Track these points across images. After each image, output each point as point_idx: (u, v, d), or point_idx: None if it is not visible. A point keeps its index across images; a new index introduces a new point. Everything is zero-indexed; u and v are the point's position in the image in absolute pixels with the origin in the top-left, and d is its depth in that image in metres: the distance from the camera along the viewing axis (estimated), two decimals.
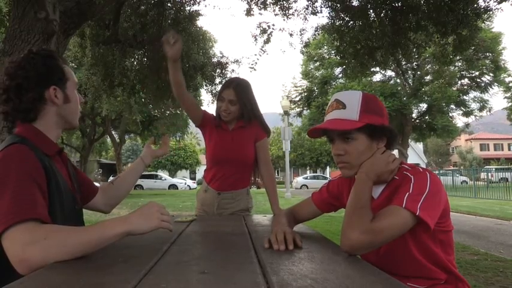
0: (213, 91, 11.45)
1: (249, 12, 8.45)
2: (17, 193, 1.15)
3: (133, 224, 1.20)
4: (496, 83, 25.10)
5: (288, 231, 1.37)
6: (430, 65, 25.00)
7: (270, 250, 1.29)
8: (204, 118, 2.60)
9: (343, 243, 1.26)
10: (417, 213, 1.22)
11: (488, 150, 62.99)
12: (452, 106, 26.11)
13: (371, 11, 7.69)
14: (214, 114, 2.63)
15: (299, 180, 37.13)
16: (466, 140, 62.17)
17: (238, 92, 2.46)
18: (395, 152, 31.33)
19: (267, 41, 8.74)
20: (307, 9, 8.33)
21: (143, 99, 15.34)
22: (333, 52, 20.37)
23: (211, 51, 12.75)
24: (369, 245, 1.23)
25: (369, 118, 1.40)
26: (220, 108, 2.49)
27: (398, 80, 27.29)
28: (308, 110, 27.89)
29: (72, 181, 1.54)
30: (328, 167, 49.72)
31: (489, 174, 22.34)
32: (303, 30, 8.96)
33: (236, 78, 2.78)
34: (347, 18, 7.94)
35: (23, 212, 1.12)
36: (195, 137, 55.49)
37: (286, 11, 8.40)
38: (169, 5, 8.50)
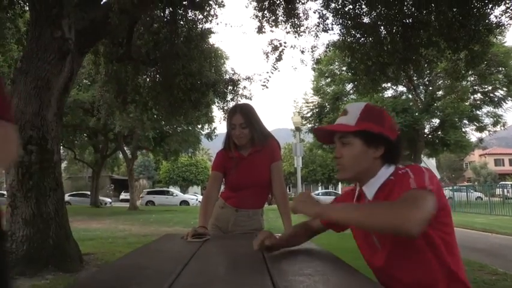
0: (225, 108, 11.51)
1: (260, 30, 8.53)
2: None
3: None
4: (509, 98, 24.78)
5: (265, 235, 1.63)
6: (442, 80, 24.87)
7: (284, 273, 1.28)
8: (221, 168, 2.69)
9: (412, 228, 1.17)
10: (427, 188, 1.26)
11: (503, 165, 62.05)
12: (465, 121, 25.83)
13: (382, 27, 7.72)
14: (223, 145, 2.72)
15: None
16: (480, 155, 61.36)
17: (246, 115, 2.59)
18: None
19: (279, 59, 8.78)
20: (318, 26, 8.39)
21: (155, 116, 15.46)
22: (344, 68, 20.41)
23: (223, 68, 12.85)
24: (427, 220, 1.21)
25: (366, 125, 1.45)
26: (235, 135, 2.59)
27: (410, 96, 27.13)
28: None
29: None
30: (340, 183, 49.38)
31: (505, 190, 21.95)
32: (314, 47, 9.01)
33: (239, 103, 2.94)
34: (358, 35, 7.98)
35: None
36: (206, 153, 55.62)
37: (298, 29, 8.47)
38: (181, 23, 8.62)
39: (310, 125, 29.06)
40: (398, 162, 1.49)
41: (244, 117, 2.57)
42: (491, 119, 25.73)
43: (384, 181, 1.45)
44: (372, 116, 1.48)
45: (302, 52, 9.01)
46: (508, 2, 6.73)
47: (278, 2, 8.29)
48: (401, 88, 26.87)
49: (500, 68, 22.79)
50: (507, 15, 6.92)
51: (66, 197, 21.94)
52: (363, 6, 7.73)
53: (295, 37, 8.64)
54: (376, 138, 1.45)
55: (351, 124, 1.48)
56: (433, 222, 1.28)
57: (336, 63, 24.98)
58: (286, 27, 8.54)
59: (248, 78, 11.42)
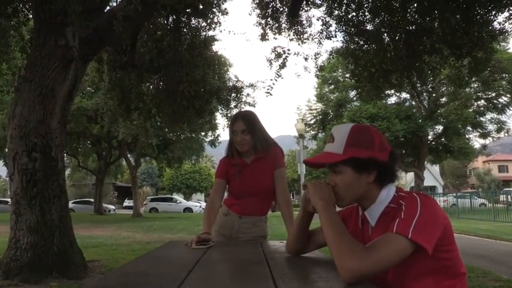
0: (228, 115, 11.51)
1: (264, 37, 8.55)
2: None
3: None
4: None
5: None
6: (445, 87, 24.89)
7: (288, 279, 1.28)
8: (225, 175, 2.70)
9: (343, 275, 1.22)
10: (409, 236, 1.21)
11: (507, 171, 61.70)
12: (469, 128, 25.83)
13: (385, 34, 7.73)
14: (225, 153, 2.73)
15: None
16: (484, 162, 61.06)
17: (247, 121, 2.60)
18: (411, 175, 30.89)
19: (283, 66, 8.77)
20: (321, 33, 8.42)
21: (159, 123, 15.51)
22: (347, 75, 20.45)
23: (226, 76, 12.86)
24: (368, 273, 1.22)
25: (354, 151, 1.41)
26: (236, 141, 2.60)
27: (413, 102, 27.17)
28: (323, 133, 27.84)
29: None
30: None
31: (509, 196, 21.86)
32: (318, 54, 9.02)
33: (241, 110, 2.96)
34: (361, 42, 7.99)
35: None
36: (210, 160, 55.64)
37: (301, 36, 8.50)
38: (185, 30, 8.64)
39: (313, 132, 29.08)
40: (394, 180, 1.46)
41: (245, 124, 2.58)
42: (494, 125, 25.76)
43: (385, 207, 1.42)
44: (359, 140, 1.43)
45: (305, 59, 9.01)
46: (511, 8, 6.73)
47: (281, 9, 8.33)
48: (404, 95, 26.95)
49: (503, 75, 22.78)
50: (510, 21, 6.93)
51: (70, 204, 21.96)
52: (366, 13, 7.75)
53: (299, 44, 8.67)
54: (366, 163, 1.41)
55: (338, 152, 1.43)
56: (434, 251, 1.26)
57: (339, 70, 25.05)
58: (289, 35, 8.57)
59: (252, 85, 11.44)
